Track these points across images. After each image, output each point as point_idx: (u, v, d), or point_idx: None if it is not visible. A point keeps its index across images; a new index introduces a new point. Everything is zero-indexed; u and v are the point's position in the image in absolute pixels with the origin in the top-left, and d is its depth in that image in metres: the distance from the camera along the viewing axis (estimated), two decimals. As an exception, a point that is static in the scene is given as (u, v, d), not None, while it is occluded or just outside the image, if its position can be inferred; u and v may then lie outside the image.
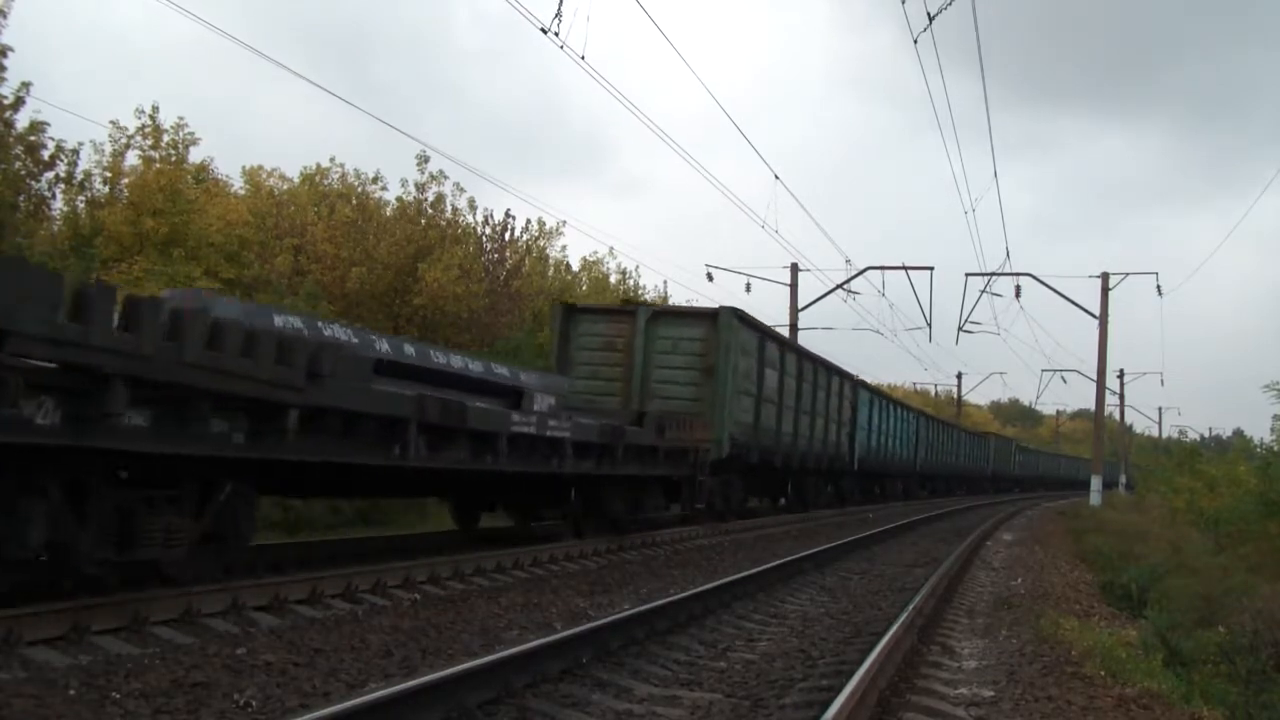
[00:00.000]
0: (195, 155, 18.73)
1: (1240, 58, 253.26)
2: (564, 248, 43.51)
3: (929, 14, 14.02)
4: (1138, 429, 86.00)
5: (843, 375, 25.03)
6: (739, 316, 16.49)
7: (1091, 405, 38.04)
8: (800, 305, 32.08)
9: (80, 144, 16.70)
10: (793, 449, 20.27)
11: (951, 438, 43.30)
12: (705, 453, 14.58)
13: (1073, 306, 33.47)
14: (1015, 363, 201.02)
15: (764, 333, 18.41)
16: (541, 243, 29.04)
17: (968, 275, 31.99)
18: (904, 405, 35.30)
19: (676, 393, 16.02)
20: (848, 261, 47.26)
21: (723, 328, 16.02)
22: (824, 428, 22.94)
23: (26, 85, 14.56)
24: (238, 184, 23.04)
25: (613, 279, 32.28)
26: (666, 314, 17.11)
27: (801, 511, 22.22)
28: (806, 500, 23.32)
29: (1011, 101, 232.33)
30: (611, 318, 16.83)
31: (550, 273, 29.64)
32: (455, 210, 24.58)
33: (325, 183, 25.38)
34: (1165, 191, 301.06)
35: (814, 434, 22.00)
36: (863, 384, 27.96)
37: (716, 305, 16.68)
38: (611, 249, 51.81)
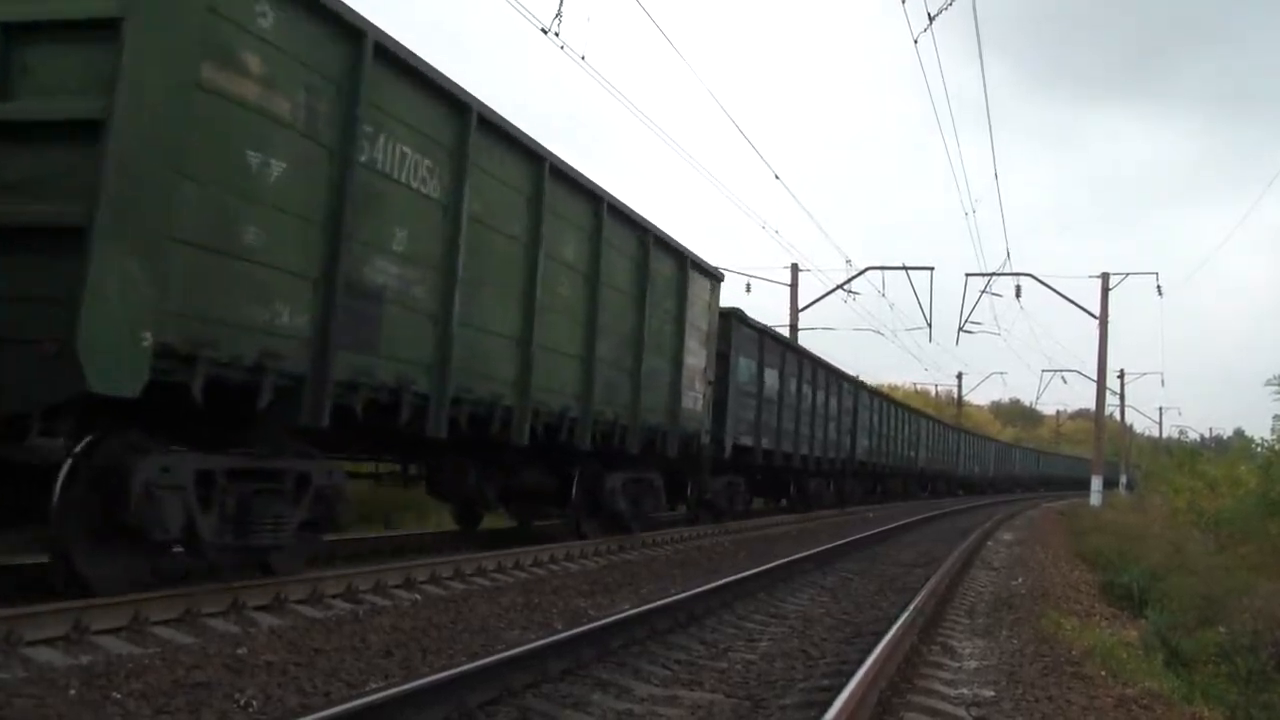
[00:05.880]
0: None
1: (1270, 48, 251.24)
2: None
3: (929, 14, 14.04)
4: (1138, 429, 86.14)
5: None
6: None
7: (1092, 405, 38.08)
8: (800, 305, 32.14)
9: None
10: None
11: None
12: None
13: (1073, 306, 33.51)
14: (1016, 363, 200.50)
15: None
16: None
17: (968, 275, 32.10)
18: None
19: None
20: (848, 262, 47.36)
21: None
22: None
23: None
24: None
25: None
26: None
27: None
28: None
29: (1027, 94, 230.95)
30: None
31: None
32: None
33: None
34: (1183, 187, 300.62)
35: None
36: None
37: None
38: None
